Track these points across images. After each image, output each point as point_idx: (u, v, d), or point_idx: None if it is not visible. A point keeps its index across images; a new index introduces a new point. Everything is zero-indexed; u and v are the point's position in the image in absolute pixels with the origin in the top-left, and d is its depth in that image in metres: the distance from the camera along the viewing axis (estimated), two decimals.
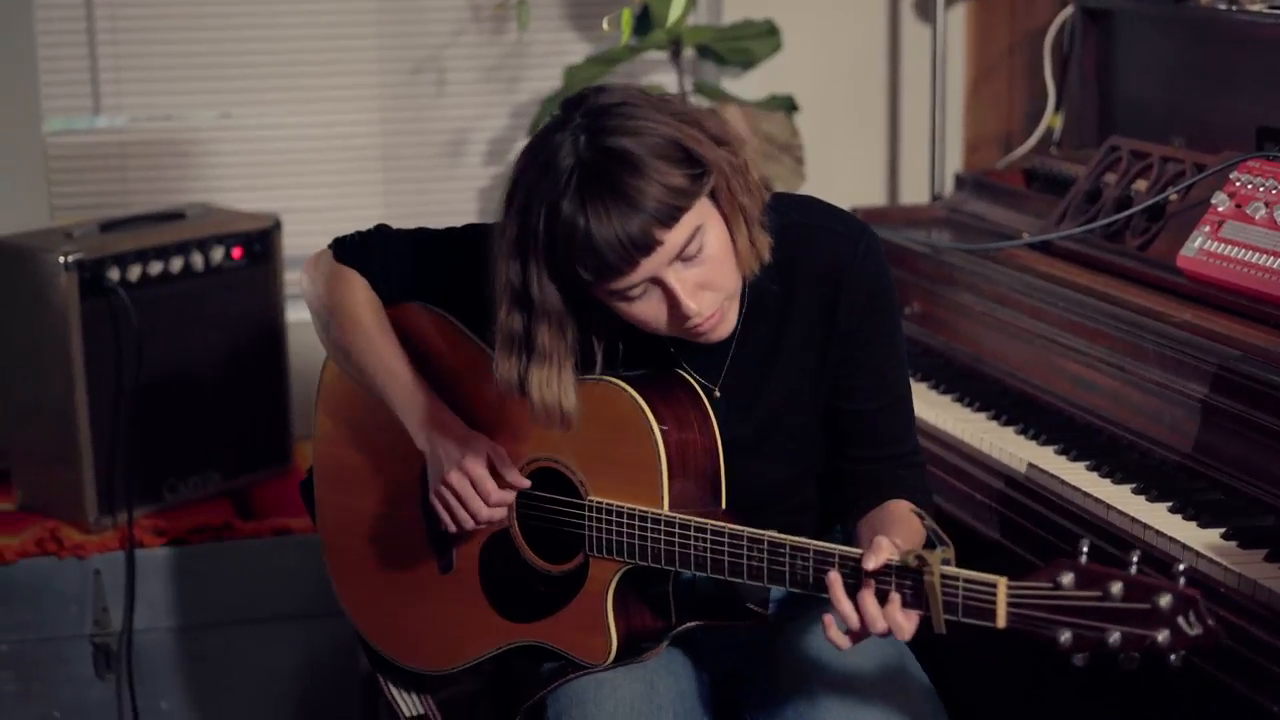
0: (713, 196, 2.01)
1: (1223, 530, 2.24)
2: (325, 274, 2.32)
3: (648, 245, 1.95)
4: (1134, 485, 2.40)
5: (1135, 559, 1.76)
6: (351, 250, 2.32)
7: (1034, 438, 2.64)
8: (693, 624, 2.19)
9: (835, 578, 1.93)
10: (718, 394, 2.18)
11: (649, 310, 2.03)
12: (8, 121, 3.72)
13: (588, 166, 1.95)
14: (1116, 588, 1.74)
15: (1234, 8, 2.92)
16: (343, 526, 2.44)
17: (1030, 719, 2.98)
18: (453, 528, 2.21)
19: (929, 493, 2.24)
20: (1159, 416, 2.49)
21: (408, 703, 2.43)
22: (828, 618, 1.94)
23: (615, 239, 1.94)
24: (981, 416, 2.77)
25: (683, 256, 1.99)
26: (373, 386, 2.28)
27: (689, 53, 3.91)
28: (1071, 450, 2.56)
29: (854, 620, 1.92)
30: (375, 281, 2.30)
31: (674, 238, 1.96)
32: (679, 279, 2.00)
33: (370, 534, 2.41)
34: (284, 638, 3.38)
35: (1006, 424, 2.72)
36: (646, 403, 2.11)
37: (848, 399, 2.19)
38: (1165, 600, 1.72)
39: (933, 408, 2.83)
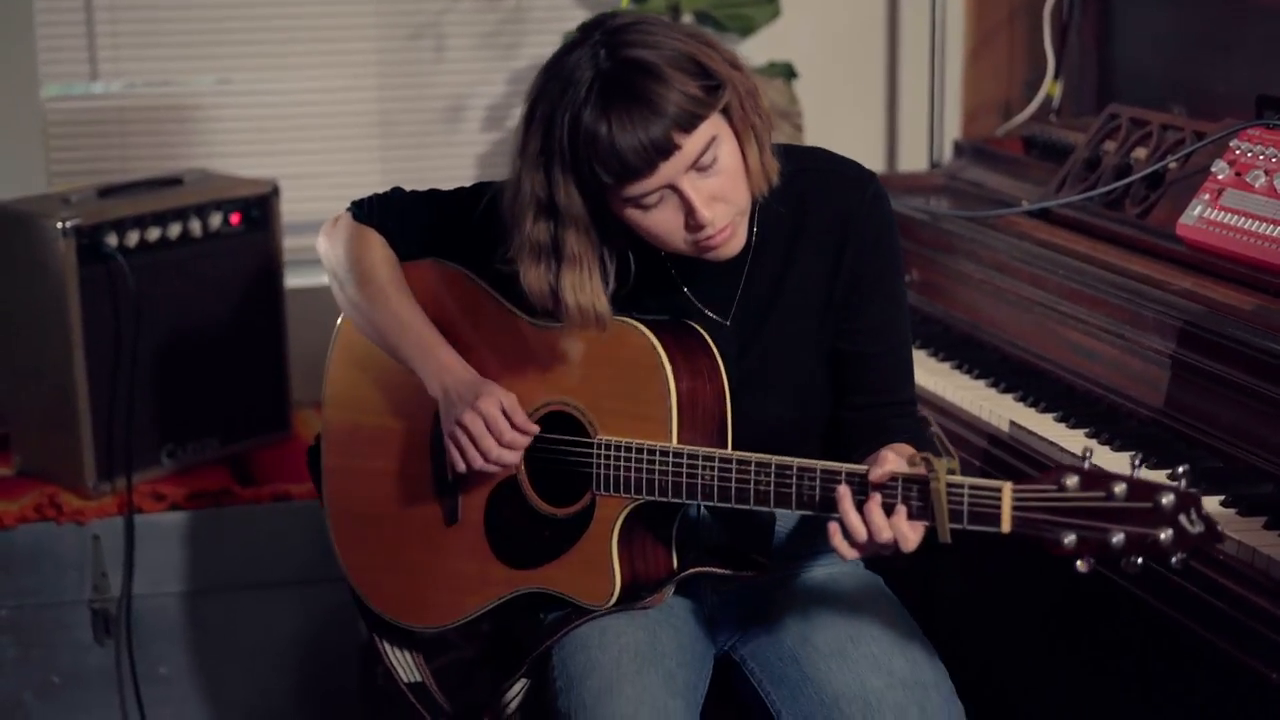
0: (726, 114, 2.07)
1: (1222, 498, 2.24)
2: (344, 234, 2.38)
3: (667, 149, 2.02)
4: (1133, 453, 2.40)
5: (1137, 462, 1.79)
6: (369, 211, 2.39)
7: (1033, 405, 2.64)
8: (695, 570, 2.21)
9: (844, 490, 1.98)
10: (729, 325, 2.23)
11: (664, 220, 2.09)
12: (5, 87, 3.70)
13: (608, 76, 2.02)
14: (1120, 488, 1.78)
15: None
16: (350, 491, 2.47)
17: (1027, 678, 2.99)
18: (461, 467, 2.23)
19: (930, 444, 2.24)
20: (1158, 384, 2.49)
21: (405, 667, 2.44)
22: (832, 525, 1.99)
23: (637, 143, 2.01)
24: (981, 384, 2.78)
25: (698, 166, 2.05)
26: (387, 340, 2.33)
27: (688, 19, 3.89)
28: (1071, 418, 2.56)
29: (861, 532, 1.96)
30: (392, 239, 2.37)
31: (692, 144, 2.03)
32: (694, 188, 2.06)
33: (377, 494, 2.43)
34: (283, 604, 3.38)
35: (1005, 391, 2.72)
36: (660, 342, 2.16)
37: (850, 341, 2.24)
38: (1167, 499, 1.75)
39: (932, 375, 2.83)
